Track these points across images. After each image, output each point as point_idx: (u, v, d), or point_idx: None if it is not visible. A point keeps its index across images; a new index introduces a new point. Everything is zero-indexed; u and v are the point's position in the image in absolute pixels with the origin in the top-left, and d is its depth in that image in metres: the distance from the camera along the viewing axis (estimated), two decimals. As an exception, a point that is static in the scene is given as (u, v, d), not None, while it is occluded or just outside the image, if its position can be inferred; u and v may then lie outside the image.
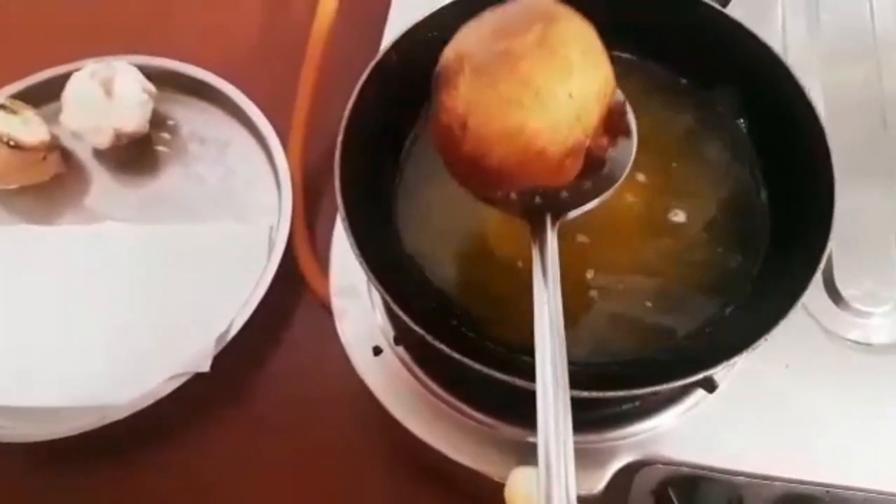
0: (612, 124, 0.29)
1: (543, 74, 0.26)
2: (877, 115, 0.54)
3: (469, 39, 0.29)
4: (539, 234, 0.30)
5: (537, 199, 0.31)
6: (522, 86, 0.26)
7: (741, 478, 0.41)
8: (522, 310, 0.42)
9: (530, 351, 0.40)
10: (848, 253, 0.48)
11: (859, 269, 0.48)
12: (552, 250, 0.30)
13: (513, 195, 0.30)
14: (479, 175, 0.29)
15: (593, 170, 0.30)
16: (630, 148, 0.31)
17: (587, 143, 0.28)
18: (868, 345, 0.46)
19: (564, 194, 0.31)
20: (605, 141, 0.29)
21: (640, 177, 0.45)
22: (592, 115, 0.27)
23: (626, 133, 0.30)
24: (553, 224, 0.31)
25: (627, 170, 0.32)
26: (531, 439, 0.44)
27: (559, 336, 0.29)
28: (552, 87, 0.26)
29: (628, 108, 0.31)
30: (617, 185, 0.32)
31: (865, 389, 0.45)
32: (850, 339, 0.46)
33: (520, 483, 0.28)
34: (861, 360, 0.46)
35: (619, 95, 0.30)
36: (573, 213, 0.31)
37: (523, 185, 0.29)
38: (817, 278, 0.37)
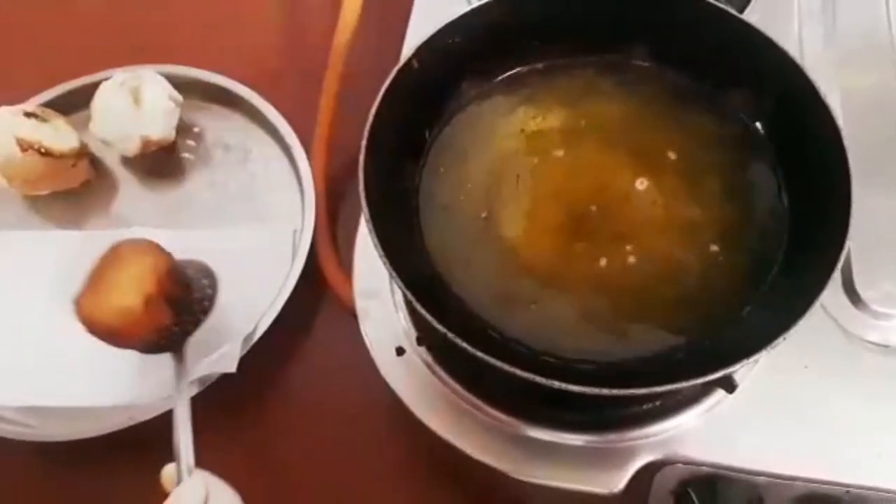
0: (176, 278, 0.50)
1: (117, 276, 0.47)
2: (895, 117, 0.54)
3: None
4: (175, 355, 0.49)
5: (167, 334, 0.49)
6: (111, 288, 0.47)
7: (761, 478, 0.42)
8: (545, 310, 0.43)
9: (553, 351, 0.41)
10: (867, 255, 0.48)
11: (879, 271, 0.48)
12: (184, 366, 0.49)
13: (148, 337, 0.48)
14: (117, 340, 0.48)
15: (186, 304, 0.50)
16: (210, 282, 0.52)
17: (161, 295, 0.48)
18: (886, 346, 0.46)
19: (189, 327, 0.50)
20: (175, 289, 0.49)
21: (661, 179, 0.46)
22: (152, 283, 0.47)
23: (185, 284, 0.51)
24: (180, 351, 0.49)
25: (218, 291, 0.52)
26: (551, 438, 0.45)
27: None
28: (124, 282, 0.47)
29: (176, 268, 0.50)
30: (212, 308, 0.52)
31: (884, 390, 0.45)
32: (868, 341, 0.46)
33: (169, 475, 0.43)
34: (880, 361, 0.46)
35: (174, 265, 0.50)
36: (192, 336, 0.50)
37: (149, 333, 0.48)
38: (836, 279, 0.37)
